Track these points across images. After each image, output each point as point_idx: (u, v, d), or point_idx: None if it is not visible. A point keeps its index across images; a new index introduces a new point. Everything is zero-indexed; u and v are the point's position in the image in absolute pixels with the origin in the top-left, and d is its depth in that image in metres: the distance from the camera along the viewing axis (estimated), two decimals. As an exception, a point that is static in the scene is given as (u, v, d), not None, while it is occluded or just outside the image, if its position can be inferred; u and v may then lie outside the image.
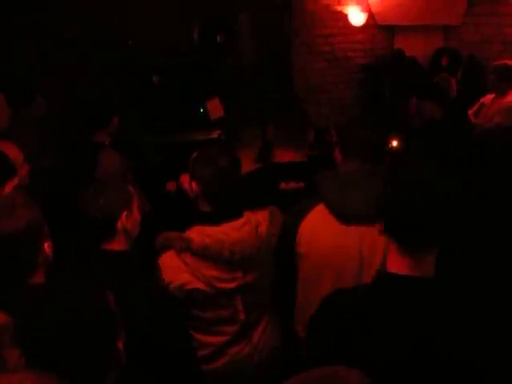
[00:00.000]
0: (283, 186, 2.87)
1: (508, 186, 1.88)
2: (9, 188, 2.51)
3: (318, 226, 2.43)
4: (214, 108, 5.94)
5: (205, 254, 2.26)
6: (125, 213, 2.15)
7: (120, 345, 1.54)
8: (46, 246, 1.93)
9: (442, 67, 7.23)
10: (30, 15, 5.46)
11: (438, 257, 1.59)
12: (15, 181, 2.57)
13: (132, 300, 1.88)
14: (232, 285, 2.30)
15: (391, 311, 1.56)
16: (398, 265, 1.60)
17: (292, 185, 2.87)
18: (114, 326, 1.54)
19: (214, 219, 2.33)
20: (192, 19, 6.80)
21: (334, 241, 2.38)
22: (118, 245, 2.17)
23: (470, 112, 5.66)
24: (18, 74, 4.92)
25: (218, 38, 6.94)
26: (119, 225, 2.14)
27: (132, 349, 1.62)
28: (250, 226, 2.33)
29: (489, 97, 5.61)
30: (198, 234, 2.29)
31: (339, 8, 7.50)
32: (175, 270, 2.29)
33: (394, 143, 4.84)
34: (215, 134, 5.83)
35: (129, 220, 2.17)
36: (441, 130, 4.30)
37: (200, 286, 2.28)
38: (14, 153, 2.87)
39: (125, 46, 6.15)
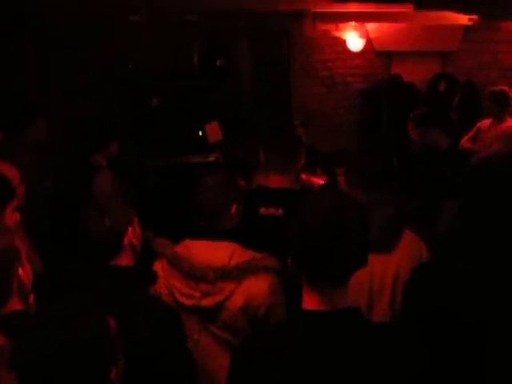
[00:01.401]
0: (262, 211, 2.87)
1: (507, 215, 1.89)
2: (9, 210, 2.51)
3: None
4: (213, 131, 5.98)
5: (174, 263, 2.35)
6: (130, 229, 2.23)
7: (113, 375, 1.53)
8: (21, 271, 1.92)
9: (439, 93, 7.29)
10: (30, 33, 5.51)
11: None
12: (15, 203, 2.56)
13: (133, 313, 1.95)
14: (189, 302, 2.30)
15: (302, 348, 1.54)
16: (309, 300, 1.59)
17: (271, 211, 2.88)
18: (111, 354, 1.53)
19: (194, 232, 2.39)
20: (191, 43, 6.86)
21: None
22: (123, 260, 2.23)
23: (466, 138, 5.70)
24: (19, 95, 4.94)
25: (218, 62, 6.98)
26: (126, 241, 2.21)
27: (132, 363, 1.61)
28: (224, 252, 2.31)
29: (485, 122, 5.65)
30: (181, 245, 2.41)
31: (337, 34, 7.58)
32: (160, 274, 2.38)
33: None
34: (213, 157, 5.85)
35: (134, 235, 2.25)
36: (439, 156, 4.32)
37: (164, 292, 2.36)
38: (10, 173, 2.88)
39: (125, 68, 6.19)
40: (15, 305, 1.90)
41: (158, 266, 2.43)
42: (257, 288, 2.27)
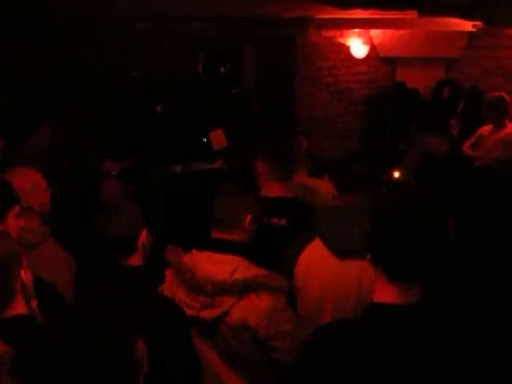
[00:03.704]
0: (265, 220, 2.84)
1: (506, 222, 1.88)
2: (11, 216, 2.52)
3: (315, 261, 2.44)
4: (217, 138, 6.00)
5: (178, 272, 2.39)
6: (144, 230, 2.31)
7: None
8: (23, 274, 1.93)
9: (443, 99, 7.29)
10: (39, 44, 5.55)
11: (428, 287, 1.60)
12: (16, 209, 2.57)
13: (149, 312, 1.99)
14: (189, 312, 2.29)
15: (379, 341, 1.56)
16: (384, 294, 1.62)
17: (274, 221, 2.87)
18: (129, 379, 1.38)
19: (203, 242, 2.41)
20: (196, 50, 6.88)
21: (330, 275, 2.38)
22: (136, 260, 2.29)
23: (467, 144, 5.69)
24: (23, 103, 4.97)
25: (222, 69, 7.00)
26: (140, 242, 2.28)
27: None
28: (227, 266, 2.29)
29: (486, 128, 5.64)
30: (188, 255, 2.44)
31: (342, 40, 7.59)
32: (167, 281, 2.46)
33: (396, 174, 4.87)
34: (217, 164, 5.87)
35: (147, 237, 2.33)
36: (440, 164, 4.31)
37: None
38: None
39: (130, 76, 6.23)
40: (20, 307, 1.90)
41: (168, 274, 2.48)
42: (256, 306, 2.24)
